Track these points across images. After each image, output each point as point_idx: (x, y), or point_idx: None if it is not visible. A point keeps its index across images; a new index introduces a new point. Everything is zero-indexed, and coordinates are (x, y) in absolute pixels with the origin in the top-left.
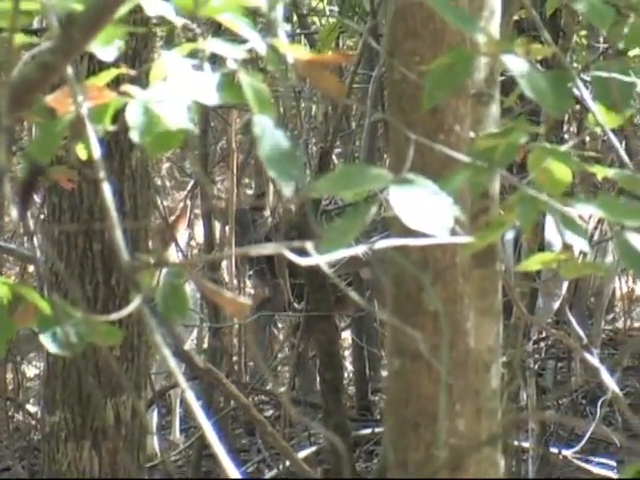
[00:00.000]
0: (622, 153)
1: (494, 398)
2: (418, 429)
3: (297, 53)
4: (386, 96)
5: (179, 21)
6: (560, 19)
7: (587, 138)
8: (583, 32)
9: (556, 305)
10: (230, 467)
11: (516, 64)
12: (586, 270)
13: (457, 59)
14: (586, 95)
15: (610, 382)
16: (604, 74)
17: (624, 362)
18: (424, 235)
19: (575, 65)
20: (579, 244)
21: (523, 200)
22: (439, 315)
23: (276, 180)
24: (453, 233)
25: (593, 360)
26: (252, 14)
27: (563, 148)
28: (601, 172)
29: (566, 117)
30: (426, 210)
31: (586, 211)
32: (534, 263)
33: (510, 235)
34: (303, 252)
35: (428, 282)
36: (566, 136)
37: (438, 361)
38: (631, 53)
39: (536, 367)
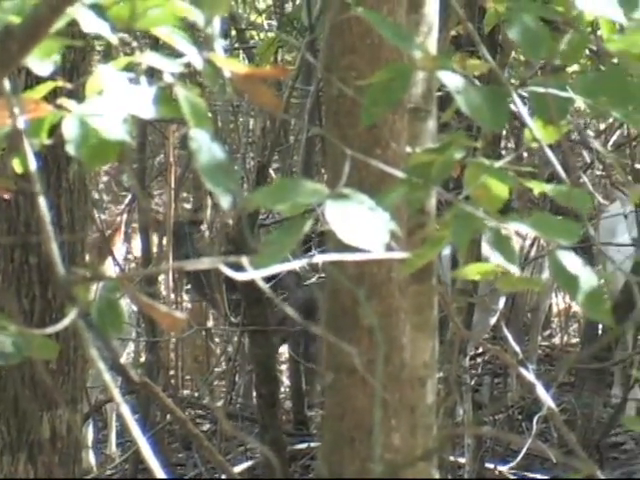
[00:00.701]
0: (559, 169)
1: (430, 413)
2: (353, 443)
3: (234, 67)
4: (323, 111)
5: (114, 38)
6: (498, 35)
7: (525, 153)
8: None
9: (493, 320)
10: None
11: (452, 80)
12: (522, 285)
13: (394, 74)
14: (523, 110)
15: (546, 398)
16: (541, 89)
17: (560, 378)
18: (360, 250)
19: (513, 80)
20: (508, 266)
21: (458, 217)
22: (375, 330)
23: (213, 193)
24: (389, 248)
25: (529, 376)
26: (190, 28)
27: (500, 163)
28: (538, 187)
29: (504, 132)
30: (362, 225)
31: (520, 228)
32: (471, 272)
33: (447, 250)
34: (240, 266)
35: (364, 297)
36: (504, 151)
37: (373, 376)
38: (569, 69)
39: (472, 382)
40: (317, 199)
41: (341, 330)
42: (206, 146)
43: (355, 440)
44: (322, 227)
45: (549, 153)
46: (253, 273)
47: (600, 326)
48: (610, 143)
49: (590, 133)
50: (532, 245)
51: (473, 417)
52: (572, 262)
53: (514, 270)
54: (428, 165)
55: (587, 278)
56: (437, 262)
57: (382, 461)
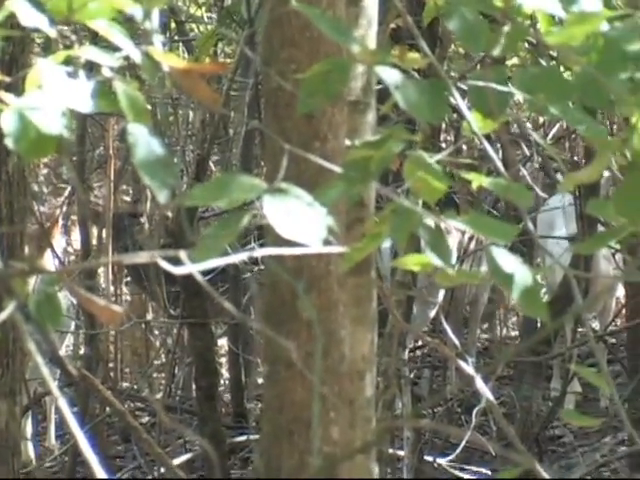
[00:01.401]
0: (497, 161)
1: (368, 406)
2: (292, 436)
3: (172, 61)
4: (263, 104)
5: (52, 32)
6: (438, 28)
7: (465, 147)
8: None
9: (432, 313)
10: (101, 473)
11: (389, 74)
12: (461, 278)
13: (333, 67)
14: (461, 103)
15: (485, 391)
16: (480, 83)
17: (499, 371)
18: (299, 244)
19: (453, 73)
20: (440, 263)
21: (397, 212)
22: (313, 323)
23: (150, 187)
24: (328, 242)
25: (468, 369)
26: (129, 21)
27: (438, 156)
28: (477, 180)
29: (444, 125)
30: (299, 220)
31: (456, 225)
32: (410, 262)
33: (387, 244)
34: (180, 259)
35: (302, 290)
36: (444, 144)
37: (312, 369)
38: (509, 62)
39: (412, 375)
40: (255, 194)
41: (280, 323)
42: (143, 140)
43: (294, 433)
44: (261, 220)
45: (487, 146)
46: (191, 267)
47: (539, 319)
48: (550, 136)
49: (529, 126)
50: (471, 238)
51: (412, 410)
52: (508, 259)
53: (448, 268)
54: (367, 159)
55: (523, 275)
56: (377, 255)
57: (321, 454)
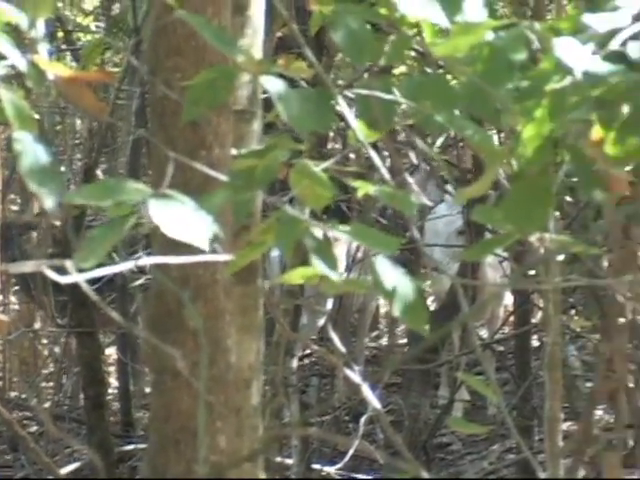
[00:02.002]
0: (382, 170)
1: (255, 415)
2: (179, 445)
3: (57, 70)
4: (149, 112)
5: None
6: (325, 36)
7: (352, 155)
8: None
9: (320, 322)
10: None
11: (273, 84)
12: (347, 287)
13: (218, 76)
14: (347, 112)
15: (371, 398)
16: (365, 91)
17: (387, 379)
18: (185, 252)
19: (340, 82)
20: (328, 272)
21: (282, 221)
22: (199, 332)
23: (37, 195)
24: (213, 251)
25: (355, 377)
26: (15, 30)
27: (325, 165)
28: (363, 188)
29: (331, 134)
30: (185, 221)
31: (341, 235)
32: (295, 277)
33: (276, 252)
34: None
35: (188, 299)
36: (332, 153)
37: (198, 378)
38: (396, 71)
39: (300, 384)
40: (140, 197)
41: (166, 332)
42: (30, 148)
43: (180, 442)
44: (148, 229)
45: (372, 154)
46: (77, 276)
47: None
48: (437, 144)
49: (417, 134)
50: (359, 246)
51: (300, 418)
52: (390, 271)
53: (335, 277)
54: (252, 167)
55: (405, 287)
56: (268, 264)
57: (207, 462)
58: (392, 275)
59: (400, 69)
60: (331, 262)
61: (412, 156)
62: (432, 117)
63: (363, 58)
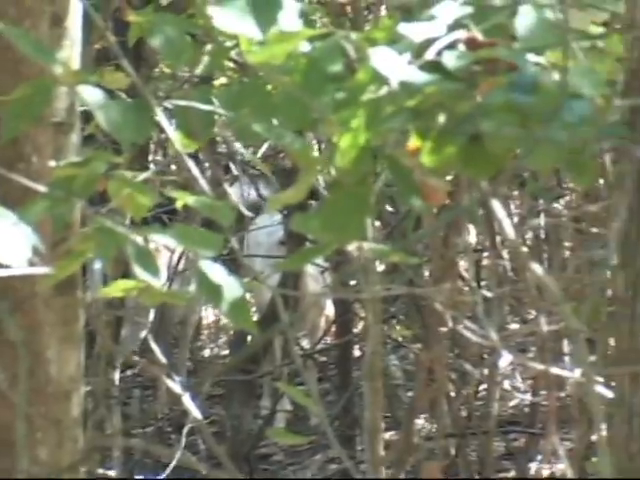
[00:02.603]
0: (200, 180)
1: (76, 426)
2: None
3: None
4: None
5: None
6: (144, 48)
7: (174, 165)
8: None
9: (142, 333)
10: None
11: (91, 95)
12: (167, 299)
13: (36, 89)
14: (165, 123)
15: (192, 409)
16: (183, 102)
17: (211, 390)
18: (3, 265)
19: (161, 93)
20: (150, 279)
21: (100, 231)
22: (19, 344)
23: None
24: (32, 263)
25: (176, 388)
26: None
27: (144, 175)
28: (181, 198)
29: (153, 145)
30: (4, 240)
31: (162, 240)
32: (115, 290)
33: (98, 264)
34: None
35: (7, 311)
36: (154, 163)
37: (17, 390)
38: (217, 82)
39: (122, 395)
40: None
41: None
42: None
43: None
44: None
45: (190, 164)
46: None
47: (249, 338)
48: (259, 154)
49: (238, 145)
50: (180, 258)
51: (122, 430)
52: (216, 272)
53: (157, 284)
54: (71, 179)
55: (231, 287)
56: (90, 275)
57: (27, 474)
58: (218, 274)
59: (221, 80)
60: (153, 270)
61: (232, 167)
62: (250, 126)
63: (181, 62)
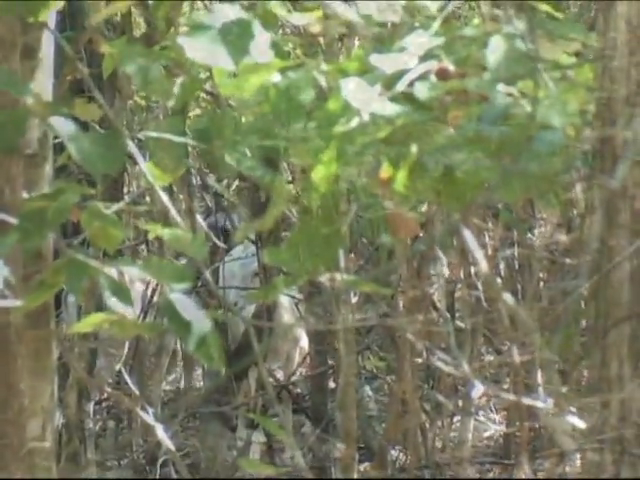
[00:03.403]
0: (174, 212)
1: (49, 458)
2: None
3: None
4: None
5: None
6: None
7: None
8: (143, 93)
9: (117, 366)
10: None
11: (63, 126)
12: (139, 330)
13: (9, 120)
14: (137, 154)
15: (165, 440)
16: (155, 134)
17: (186, 422)
18: None
19: (135, 125)
20: (123, 309)
21: (72, 263)
22: None
23: None
24: (3, 295)
25: (150, 419)
26: None
27: (117, 206)
28: (154, 230)
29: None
30: None
31: (132, 272)
32: (86, 325)
33: (72, 296)
34: None
35: None
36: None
37: None
38: (192, 114)
39: (97, 427)
40: None
41: None
42: None
43: None
44: None
45: (162, 195)
46: None
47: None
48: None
49: (212, 177)
50: (155, 290)
51: (97, 461)
52: (186, 306)
53: (130, 313)
54: (43, 210)
55: (200, 323)
56: (65, 308)
57: None
58: (187, 309)
59: (195, 111)
60: (126, 302)
61: (207, 198)
62: (222, 158)
63: (153, 91)
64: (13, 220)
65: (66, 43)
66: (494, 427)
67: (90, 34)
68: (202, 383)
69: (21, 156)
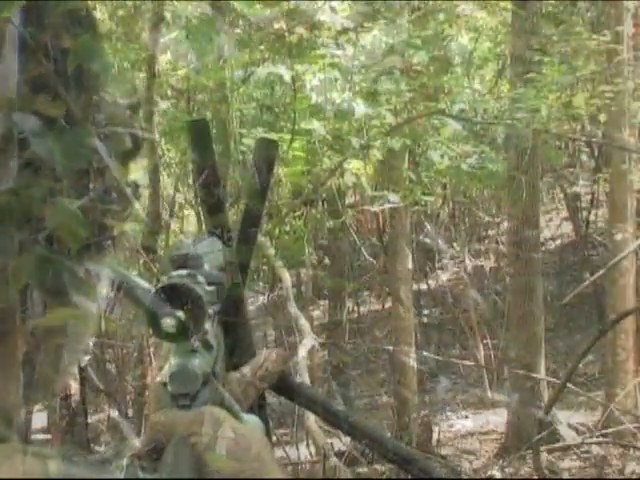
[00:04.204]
0: (137, 206)
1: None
2: None
3: None
4: None
5: None
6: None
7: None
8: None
9: (84, 360)
10: None
11: (27, 122)
12: (105, 324)
13: None
14: (102, 150)
15: (130, 434)
16: (122, 130)
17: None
18: None
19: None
20: (87, 305)
21: (35, 259)
22: None
23: None
24: None
25: (116, 415)
26: None
27: (80, 202)
28: (118, 227)
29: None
30: None
31: (97, 268)
32: (53, 319)
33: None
34: None
35: None
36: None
37: None
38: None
39: (64, 423)
40: None
41: None
42: None
43: None
44: None
45: (128, 192)
46: None
47: None
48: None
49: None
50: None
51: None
52: (152, 297)
53: (94, 309)
54: (8, 205)
55: (170, 313)
56: (30, 304)
57: None
58: (157, 304)
59: (162, 106)
60: (90, 293)
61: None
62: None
63: (119, 86)
64: None
65: (29, 38)
66: (461, 422)
67: (55, 29)
68: None
69: None
